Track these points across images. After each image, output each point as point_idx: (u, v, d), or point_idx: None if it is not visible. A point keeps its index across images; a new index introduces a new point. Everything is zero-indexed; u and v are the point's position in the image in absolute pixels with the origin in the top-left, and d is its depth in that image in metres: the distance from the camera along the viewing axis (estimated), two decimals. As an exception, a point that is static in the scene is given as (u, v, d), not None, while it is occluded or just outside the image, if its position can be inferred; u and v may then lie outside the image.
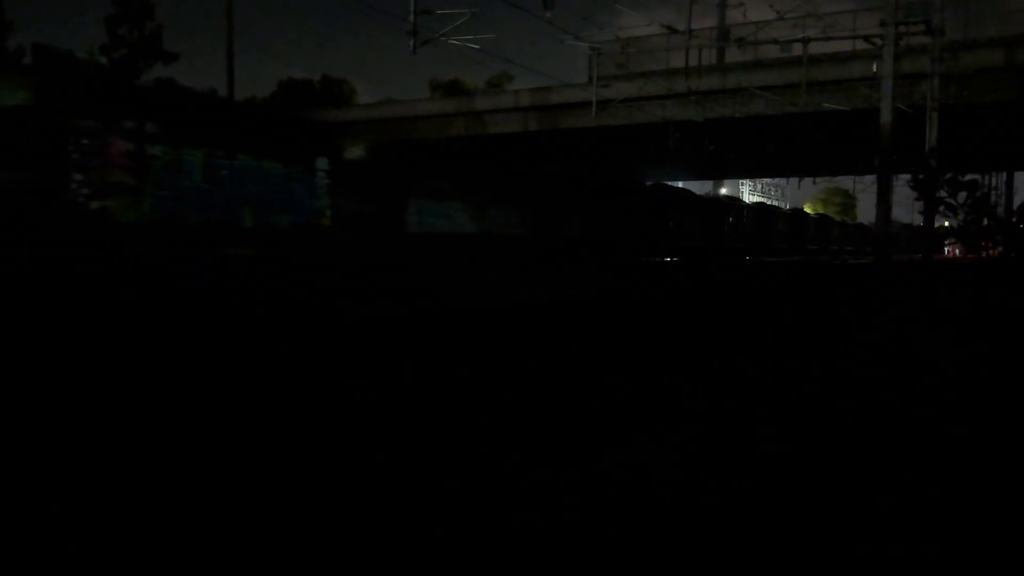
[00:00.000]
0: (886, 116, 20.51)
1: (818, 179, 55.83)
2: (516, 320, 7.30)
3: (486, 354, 5.01)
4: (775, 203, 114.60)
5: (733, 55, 33.64)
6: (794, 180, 57.24)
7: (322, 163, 16.05)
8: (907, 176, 23.20)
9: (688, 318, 7.86)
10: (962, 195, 5.71)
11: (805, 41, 26.36)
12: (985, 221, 6.11)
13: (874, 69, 24.61)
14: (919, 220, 24.76)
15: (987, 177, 53.22)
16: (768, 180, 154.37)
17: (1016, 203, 38.05)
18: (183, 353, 4.96)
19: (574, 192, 24.11)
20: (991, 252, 7.26)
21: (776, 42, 27.62)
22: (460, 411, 3.39)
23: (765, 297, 10.75)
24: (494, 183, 20.49)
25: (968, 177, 5.93)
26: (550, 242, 21.68)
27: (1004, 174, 54.08)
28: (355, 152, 17.44)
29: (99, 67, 38.98)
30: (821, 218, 52.28)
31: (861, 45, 26.76)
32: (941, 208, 6.00)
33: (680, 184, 49.84)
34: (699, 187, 52.15)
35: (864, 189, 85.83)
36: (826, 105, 29.15)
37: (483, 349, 5.18)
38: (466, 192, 19.48)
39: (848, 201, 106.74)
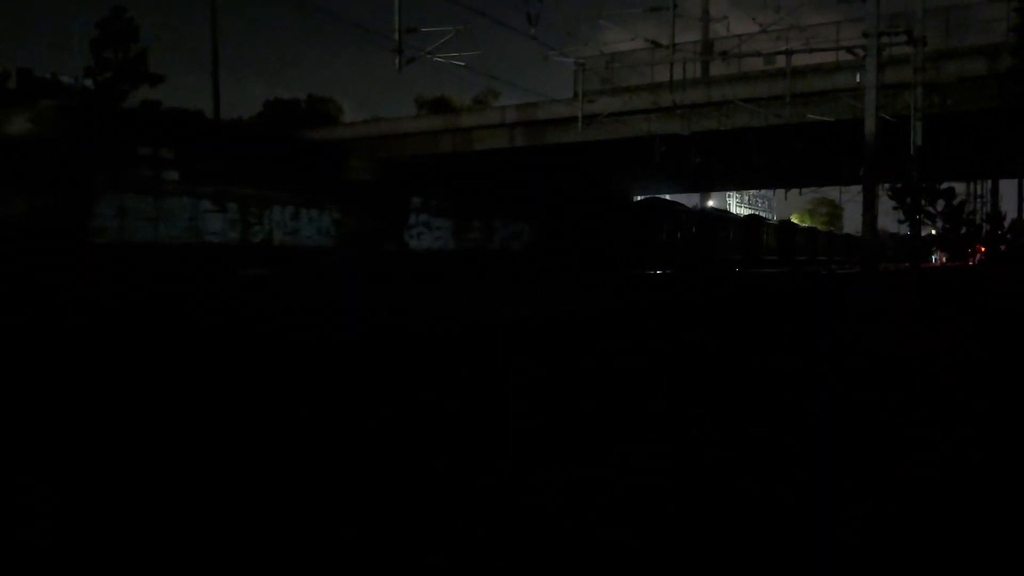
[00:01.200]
0: (870, 126, 20.61)
1: (804, 190, 55.96)
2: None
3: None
4: (763, 214, 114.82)
5: (717, 68, 33.86)
6: (780, 191, 57.56)
7: None
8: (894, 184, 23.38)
9: (620, 336, 7.41)
10: (940, 203, 5.74)
11: (789, 53, 26.54)
12: (964, 229, 6.14)
13: (857, 80, 24.78)
14: (905, 229, 24.97)
15: (973, 185, 53.51)
16: (755, 192, 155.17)
17: (1003, 211, 38.30)
18: None
19: (405, 181, 18.17)
20: (972, 260, 7.31)
21: (760, 55, 27.80)
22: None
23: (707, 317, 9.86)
24: (273, 173, 14.66)
25: (945, 185, 5.96)
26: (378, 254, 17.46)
27: (989, 182, 54.40)
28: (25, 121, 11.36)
29: (84, 90, 38.96)
30: (783, 225, 49.58)
31: (844, 56, 27.00)
32: (920, 216, 6.03)
33: (667, 197, 49.65)
34: (686, 200, 51.99)
35: (851, 199, 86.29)
36: (810, 116, 29.34)
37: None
38: (238, 185, 14.05)
39: (834, 211, 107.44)
